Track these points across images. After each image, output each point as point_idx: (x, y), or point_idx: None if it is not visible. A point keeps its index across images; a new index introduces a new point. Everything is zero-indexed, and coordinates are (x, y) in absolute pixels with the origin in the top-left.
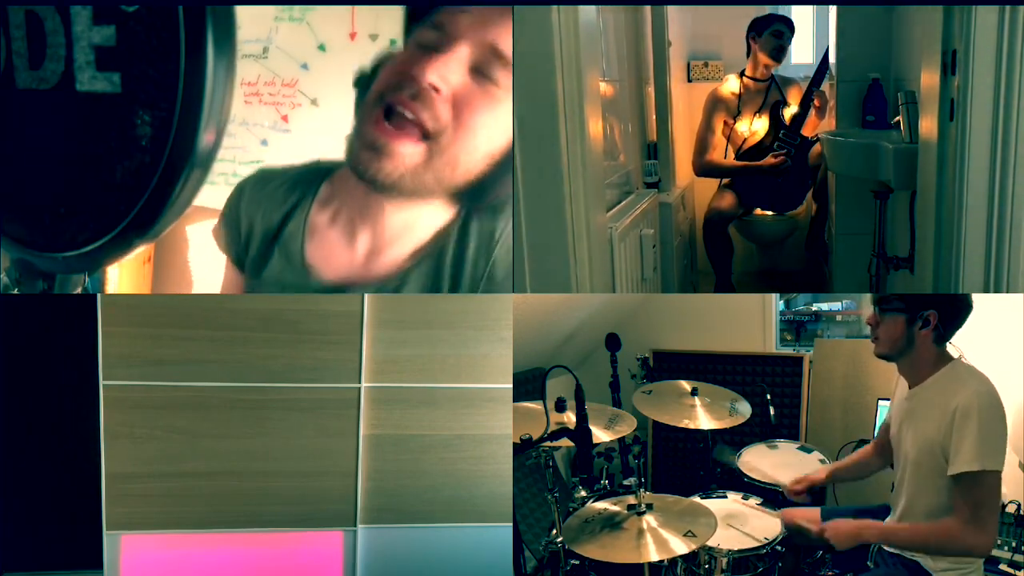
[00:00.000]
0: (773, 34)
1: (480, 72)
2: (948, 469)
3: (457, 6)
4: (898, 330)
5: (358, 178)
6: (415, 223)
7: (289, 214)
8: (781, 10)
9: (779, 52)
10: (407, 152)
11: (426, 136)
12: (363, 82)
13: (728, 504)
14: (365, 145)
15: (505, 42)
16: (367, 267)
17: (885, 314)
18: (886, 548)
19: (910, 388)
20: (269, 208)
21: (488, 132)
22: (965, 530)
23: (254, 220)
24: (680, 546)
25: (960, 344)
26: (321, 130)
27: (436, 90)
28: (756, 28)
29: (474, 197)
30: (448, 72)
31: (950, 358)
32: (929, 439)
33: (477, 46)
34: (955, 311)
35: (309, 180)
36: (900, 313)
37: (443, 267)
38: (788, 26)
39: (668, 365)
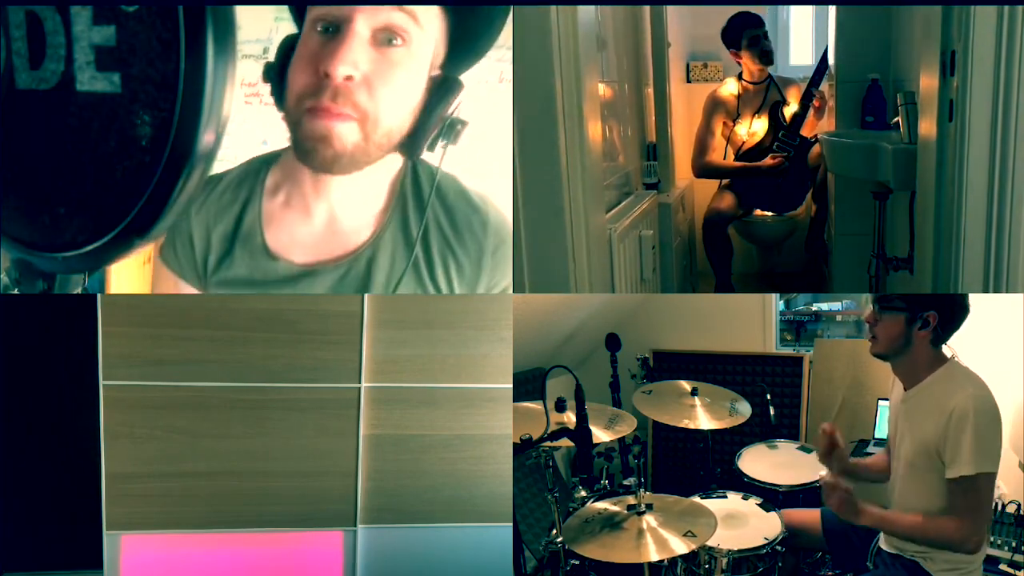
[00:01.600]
0: (750, 43)
1: (382, 39)
2: (946, 472)
3: (452, 6)
4: (897, 329)
5: (307, 167)
6: (367, 187)
7: (242, 210)
8: (780, 10)
9: (766, 55)
10: (346, 132)
11: (355, 117)
12: (273, 73)
13: (728, 504)
14: (308, 137)
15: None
16: (332, 238)
17: (884, 313)
18: (885, 548)
19: (905, 390)
20: (220, 212)
21: (407, 89)
22: (958, 528)
23: (209, 228)
24: (680, 546)
25: (959, 344)
26: None
27: (350, 79)
28: (732, 43)
29: (412, 149)
30: (354, 56)
31: (945, 359)
32: (925, 441)
33: (370, 14)
34: (954, 313)
35: (253, 173)
36: (900, 312)
37: (408, 219)
38: (755, 24)
39: (668, 365)
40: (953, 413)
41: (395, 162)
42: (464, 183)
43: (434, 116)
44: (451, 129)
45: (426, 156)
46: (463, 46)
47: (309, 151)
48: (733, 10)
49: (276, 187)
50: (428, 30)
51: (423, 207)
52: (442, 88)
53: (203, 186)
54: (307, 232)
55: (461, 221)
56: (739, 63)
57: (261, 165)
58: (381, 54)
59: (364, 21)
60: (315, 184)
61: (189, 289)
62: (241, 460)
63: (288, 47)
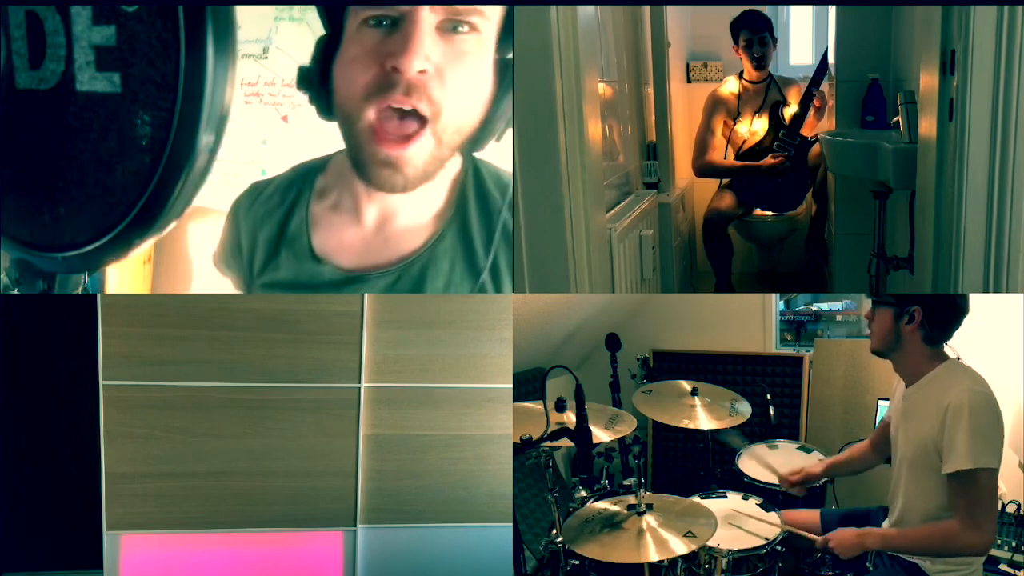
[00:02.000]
0: (746, 45)
1: (448, 27)
2: (943, 468)
3: (450, 5)
4: (886, 325)
5: (375, 190)
6: (426, 188)
7: (289, 213)
8: (781, 10)
9: (757, 60)
10: (418, 152)
11: (424, 122)
12: (308, 79)
13: (728, 504)
14: (376, 163)
15: None
16: (383, 243)
17: (876, 307)
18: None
19: (906, 388)
20: (267, 215)
21: (476, 80)
22: (963, 530)
23: (256, 232)
24: (680, 546)
25: (960, 344)
26: (321, 130)
27: (423, 72)
28: (734, 39)
29: (479, 144)
30: (427, 50)
31: (945, 358)
32: (923, 438)
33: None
34: (942, 310)
35: (302, 178)
36: (888, 307)
37: (469, 223)
38: (754, 28)
39: (668, 365)
40: (949, 408)
41: (454, 161)
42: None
43: (503, 104)
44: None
45: (487, 152)
46: (510, 23)
47: (373, 176)
48: (733, 10)
49: (325, 190)
50: (489, 12)
51: (488, 208)
52: (507, 72)
53: (249, 192)
54: (356, 236)
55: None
56: (745, 62)
57: (311, 170)
58: (450, 43)
59: (429, 10)
60: (368, 188)
61: (235, 289)
62: (241, 460)
63: (326, 49)
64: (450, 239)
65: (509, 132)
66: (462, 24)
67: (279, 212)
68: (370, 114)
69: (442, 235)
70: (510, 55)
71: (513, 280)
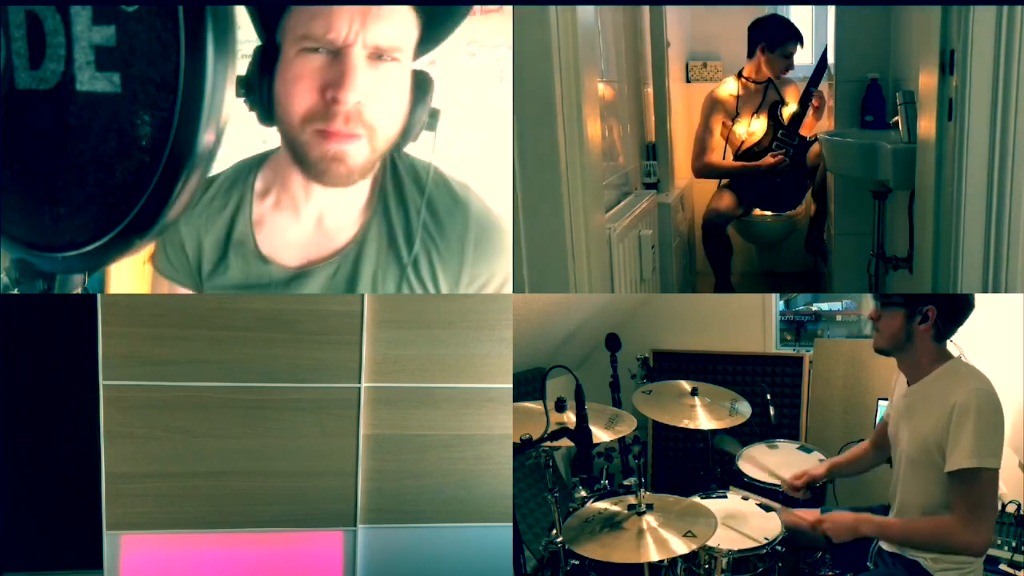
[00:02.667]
0: (785, 54)
1: (375, 57)
2: (945, 466)
3: (446, 6)
4: (897, 324)
5: (318, 183)
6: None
7: (233, 216)
8: (780, 10)
9: (788, 69)
10: (355, 151)
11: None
12: (247, 85)
13: (728, 504)
14: (316, 160)
15: (379, 15)
16: (321, 238)
17: (885, 309)
18: (885, 548)
19: (909, 385)
20: (210, 218)
21: (399, 96)
22: (962, 528)
23: (200, 234)
24: (680, 546)
25: (960, 344)
26: None
27: (358, 104)
28: (768, 42)
29: (401, 145)
30: (361, 81)
31: (950, 356)
32: (926, 436)
33: (365, 38)
34: (954, 308)
35: (243, 178)
36: (900, 307)
37: (391, 213)
38: (799, 40)
39: (668, 365)
40: (955, 407)
41: (376, 165)
42: (445, 173)
43: (420, 111)
44: (433, 119)
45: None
46: (428, 36)
47: (322, 172)
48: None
49: (265, 190)
50: (408, 35)
51: (404, 199)
52: (421, 84)
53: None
54: (298, 234)
55: (442, 211)
56: (752, 56)
57: (248, 169)
58: (377, 70)
59: (360, 45)
60: (305, 187)
61: (184, 291)
62: (241, 460)
63: (263, 59)
64: (374, 230)
65: (424, 134)
66: (385, 54)
67: (223, 216)
68: (310, 131)
69: (368, 224)
70: (423, 67)
71: (514, 280)
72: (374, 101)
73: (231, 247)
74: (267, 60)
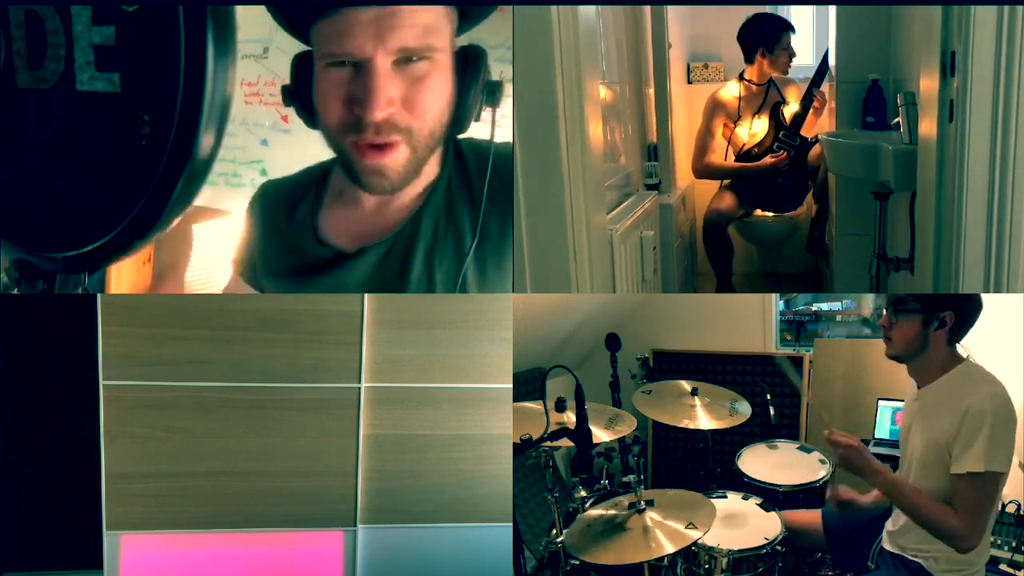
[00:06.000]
0: (785, 50)
1: (402, 60)
2: (952, 467)
3: (451, 6)
4: (913, 331)
5: (370, 194)
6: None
7: (299, 203)
8: (781, 10)
9: (791, 58)
10: (393, 163)
11: (399, 139)
12: (290, 94)
13: (728, 504)
14: (364, 172)
15: (398, 19)
16: (379, 219)
17: (900, 315)
18: (887, 548)
19: (919, 388)
20: (277, 207)
21: (436, 94)
22: (960, 525)
23: (268, 226)
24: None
25: (966, 346)
26: None
27: (388, 114)
28: (766, 42)
29: (459, 129)
30: (387, 93)
31: (960, 359)
32: (937, 438)
33: (386, 46)
34: (971, 311)
35: (320, 174)
36: (916, 314)
37: (452, 190)
38: (792, 28)
39: (668, 365)
40: (969, 410)
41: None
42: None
43: (472, 91)
44: (492, 94)
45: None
46: (470, 14)
47: (365, 184)
48: (733, 11)
49: (335, 183)
50: (438, 29)
51: (468, 182)
52: (467, 59)
53: (262, 195)
54: (356, 218)
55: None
56: (753, 61)
57: (325, 168)
58: (407, 75)
59: (382, 55)
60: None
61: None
62: (241, 460)
63: (301, 66)
64: (432, 205)
65: (488, 111)
66: (415, 54)
67: (289, 204)
68: (348, 141)
69: (427, 199)
70: (469, 42)
71: (514, 280)
72: (408, 104)
73: (291, 228)
74: (304, 69)
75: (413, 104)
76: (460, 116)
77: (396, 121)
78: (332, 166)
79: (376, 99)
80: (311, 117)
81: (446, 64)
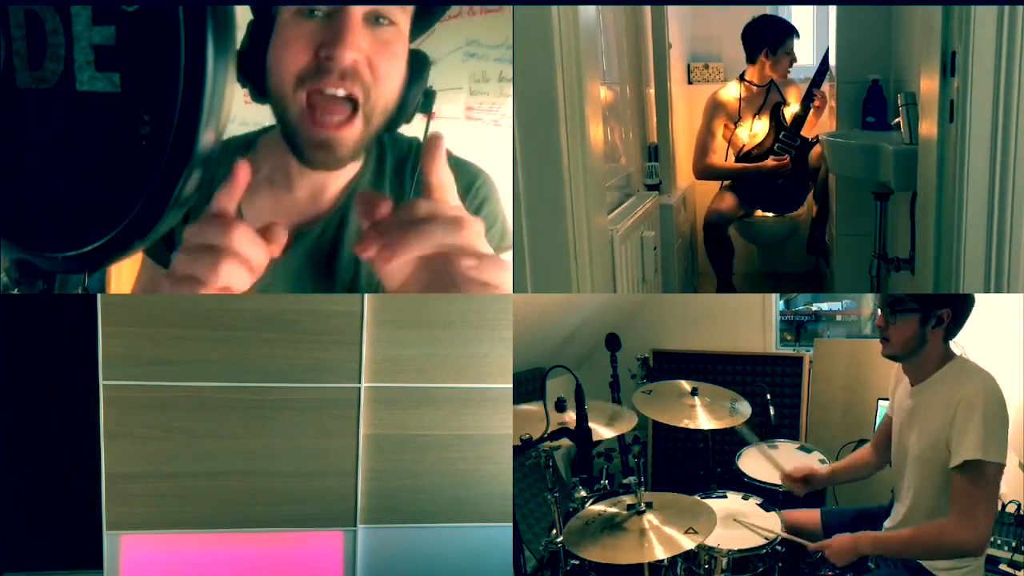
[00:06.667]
0: (788, 54)
1: (371, 19)
2: (950, 460)
3: (450, 5)
4: (911, 331)
5: (309, 168)
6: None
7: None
8: (781, 11)
9: (789, 71)
10: (349, 135)
11: (355, 106)
12: (248, 62)
13: (728, 504)
14: (311, 145)
15: None
16: (312, 208)
17: (898, 315)
18: None
19: (913, 386)
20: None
21: (395, 67)
22: (957, 526)
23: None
24: (686, 542)
25: (961, 343)
26: None
27: (355, 61)
28: (770, 44)
29: (395, 125)
30: (358, 40)
31: (953, 355)
32: (934, 434)
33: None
34: (965, 308)
35: (231, 153)
36: (914, 313)
37: (375, 180)
38: (796, 33)
39: (668, 365)
40: (961, 402)
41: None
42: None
43: (415, 89)
44: (428, 100)
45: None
46: (423, 19)
47: (308, 158)
48: (734, 12)
49: (256, 166)
50: (404, 11)
51: (384, 170)
52: (417, 62)
53: None
54: (288, 204)
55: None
56: (755, 62)
57: (239, 146)
58: (374, 34)
59: (356, 7)
60: (300, 166)
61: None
62: (241, 460)
63: (255, 33)
64: (364, 182)
65: (417, 116)
66: (383, 17)
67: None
68: (303, 97)
69: (356, 182)
70: (418, 46)
71: (515, 280)
72: (371, 65)
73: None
74: (259, 33)
75: (376, 66)
76: (403, 109)
77: (361, 73)
78: (247, 143)
79: (348, 38)
80: (261, 86)
81: (404, 45)
